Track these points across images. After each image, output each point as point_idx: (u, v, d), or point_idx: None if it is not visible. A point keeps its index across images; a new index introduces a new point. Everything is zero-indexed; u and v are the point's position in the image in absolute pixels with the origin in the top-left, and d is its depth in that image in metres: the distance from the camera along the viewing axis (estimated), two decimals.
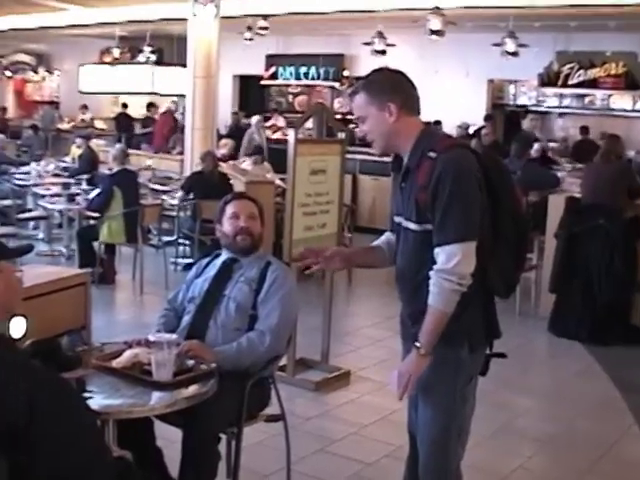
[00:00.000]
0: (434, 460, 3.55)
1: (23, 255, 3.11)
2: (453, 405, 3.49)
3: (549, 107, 18.54)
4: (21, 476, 2.61)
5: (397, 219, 3.55)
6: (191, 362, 3.91)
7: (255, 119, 17.81)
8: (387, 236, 3.79)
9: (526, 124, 14.21)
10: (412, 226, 3.42)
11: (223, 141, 14.74)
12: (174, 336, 3.95)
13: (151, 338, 3.84)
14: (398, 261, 3.56)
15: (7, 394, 2.60)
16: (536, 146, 13.10)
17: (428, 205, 3.31)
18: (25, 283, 3.04)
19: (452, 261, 3.24)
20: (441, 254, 3.28)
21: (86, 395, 3.31)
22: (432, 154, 3.33)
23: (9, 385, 2.61)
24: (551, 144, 16.34)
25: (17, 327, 3.66)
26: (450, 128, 17.58)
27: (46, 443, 2.61)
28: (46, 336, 3.75)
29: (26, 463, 2.59)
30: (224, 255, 4.74)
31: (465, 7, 14.46)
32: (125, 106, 22.95)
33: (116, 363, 3.79)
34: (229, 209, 4.72)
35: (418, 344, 3.32)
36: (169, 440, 4.37)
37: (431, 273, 3.30)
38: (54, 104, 28.23)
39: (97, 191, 10.57)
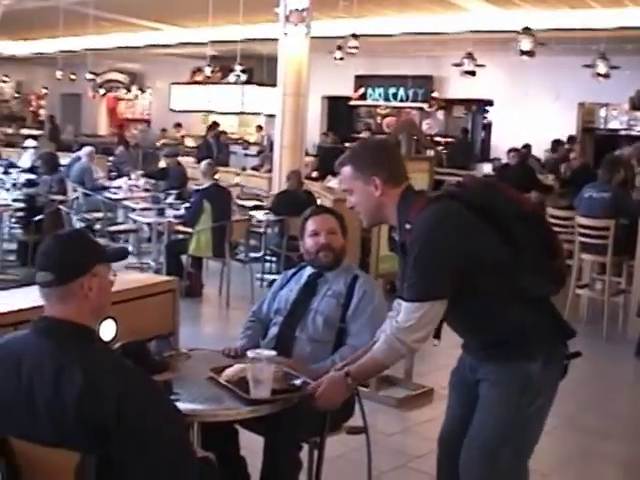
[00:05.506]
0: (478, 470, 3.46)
1: (119, 260, 3.15)
2: (512, 419, 3.40)
3: None
4: (110, 471, 2.65)
5: None
6: (299, 381, 3.81)
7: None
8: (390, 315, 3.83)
9: (628, 150, 14.00)
10: None
11: (305, 159, 14.82)
12: (273, 353, 3.85)
13: (250, 354, 3.78)
14: None
15: (96, 397, 2.64)
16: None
17: None
18: (115, 287, 3.08)
19: (409, 322, 3.29)
20: (402, 311, 3.34)
21: (173, 397, 3.36)
22: (408, 226, 3.36)
23: (99, 389, 2.65)
24: None
25: (107, 330, 3.73)
26: (539, 152, 17.49)
27: (136, 440, 2.65)
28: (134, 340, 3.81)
29: (116, 458, 2.64)
30: (309, 270, 4.74)
31: (556, 29, 14.39)
32: (217, 125, 23.10)
33: (224, 376, 3.79)
34: (309, 226, 4.70)
35: (349, 378, 3.52)
36: (251, 450, 4.39)
37: (387, 327, 3.44)
38: (146, 122, 28.73)
39: (187, 205, 10.77)
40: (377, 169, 3.44)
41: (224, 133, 21.98)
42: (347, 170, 3.52)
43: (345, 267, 4.68)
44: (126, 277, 4.55)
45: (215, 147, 20.23)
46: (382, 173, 3.44)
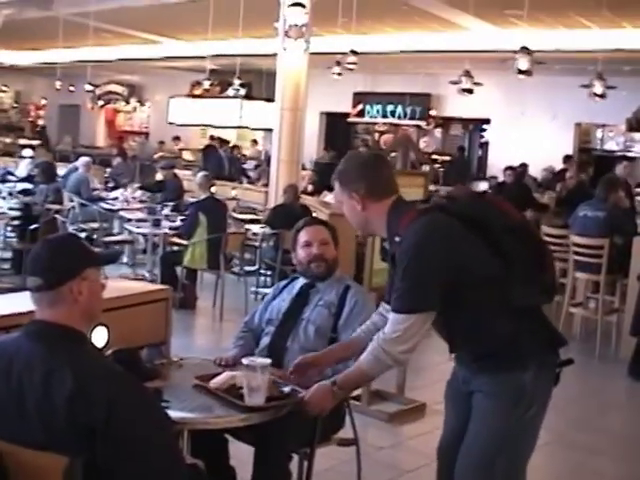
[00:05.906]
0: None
1: (111, 263, 3.16)
2: (506, 429, 3.41)
3: (637, 153, 18.28)
4: (99, 478, 2.65)
5: None
6: (287, 388, 3.82)
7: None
8: (373, 319, 3.90)
9: (619, 170, 14.01)
10: None
11: (302, 173, 14.82)
12: (267, 360, 3.80)
13: (244, 361, 3.74)
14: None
15: (87, 401, 2.64)
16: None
17: None
18: (108, 295, 3.07)
19: (395, 333, 3.30)
20: (389, 322, 3.36)
21: (163, 404, 3.35)
22: (397, 239, 3.39)
23: (90, 394, 2.64)
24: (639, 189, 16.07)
25: (99, 336, 3.73)
26: (536, 171, 17.53)
27: (126, 447, 2.64)
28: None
29: (105, 465, 2.63)
30: (301, 280, 4.76)
31: (554, 50, 14.46)
32: (215, 139, 23.06)
33: (213, 384, 3.78)
34: (302, 237, 4.74)
35: (335, 387, 3.53)
36: (240, 460, 4.39)
37: (374, 337, 3.41)
38: (144, 134, 28.77)
39: (183, 217, 10.81)
40: (356, 185, 3.49)
41: (237, 147, 21.99)
42: (336, 185, 3.60)
43: (337, 277, 4.70)
44: (119, 285, 4.56)
45: (226, 161, 20.20)
46: (361, 188, 3.48)
